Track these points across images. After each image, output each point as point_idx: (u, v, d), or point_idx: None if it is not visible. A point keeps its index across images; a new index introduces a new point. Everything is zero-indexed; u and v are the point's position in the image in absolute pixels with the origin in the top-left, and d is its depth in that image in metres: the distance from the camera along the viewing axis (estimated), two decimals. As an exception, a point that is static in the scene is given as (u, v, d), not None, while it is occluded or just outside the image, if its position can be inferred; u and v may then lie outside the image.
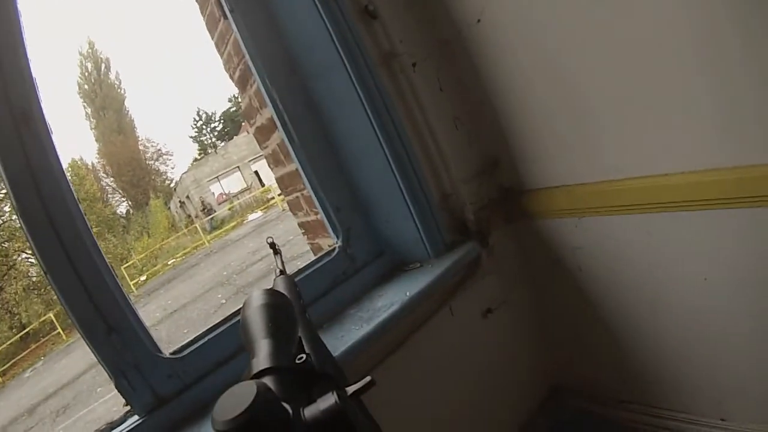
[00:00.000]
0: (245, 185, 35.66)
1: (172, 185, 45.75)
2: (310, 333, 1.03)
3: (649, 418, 1.81)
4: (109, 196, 44.80)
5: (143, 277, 25.84)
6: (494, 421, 1.85)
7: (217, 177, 35.36)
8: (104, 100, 45.59)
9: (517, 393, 1.98)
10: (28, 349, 20.99)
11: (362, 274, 1.72)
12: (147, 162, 47.41)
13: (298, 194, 1.93)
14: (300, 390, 0.75)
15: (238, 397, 0.61)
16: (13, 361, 20.04)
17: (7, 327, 23.00)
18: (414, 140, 1.68)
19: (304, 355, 0.81)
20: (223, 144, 43.59)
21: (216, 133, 51.52)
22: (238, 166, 35.71)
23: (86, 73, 45.89)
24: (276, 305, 0.94)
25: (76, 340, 17.25)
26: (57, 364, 16.38)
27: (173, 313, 14.33)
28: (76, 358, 14.62)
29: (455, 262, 1.67)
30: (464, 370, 1.78)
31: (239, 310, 1.45)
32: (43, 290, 24.31)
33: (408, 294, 1.55)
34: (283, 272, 1.27)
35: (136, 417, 1.32)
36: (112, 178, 45.57)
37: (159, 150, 48.57)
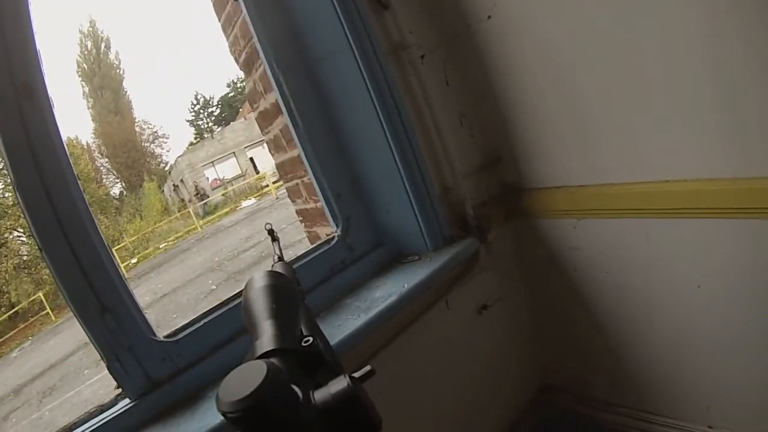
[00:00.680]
0: (240, 171, 35.56)
1: (166, 168, 45.59)
2: (308, 321, 1.02)
3: (636, 422, 1.82)
4: (103, 176, 44.65)
5: (134, 260, 25.77)
6: (484, 417, 1.85)
7: (212, 162, 35.22)
8: (102, 79, 45.29)
9: (507, 390, 1.98)
10: (17, 329, 20.89)
11: (360, 263, 1.72)
12: (142, 144, 47.23)
13: (298, 181, 1.92)
14: (306, 374, 0.72)
15: (247, 377, 0.58)
16: (1, 340, 19.96)
17: (-5, 305, 22.91)
18: (418, 132, 1.67)
19: (310, 338, 0.78)
20: (219, 129, 43.37)
21: (213, 118, 51.42)
22: (233, 152, 35.57)
23: (86, 52, 45.59)
24: (279, 287, 0.92)
25: (65, 321, 17.23)
26: (45, 344, 16.34)
27: (163, 297, 14.32)
28: (64, 338, 14.60)
29: (453, 256, 1.67)
30: (457, 364, 1.78)
31: (235, 295, 1.45)
32: (33, 269, 24.20)
33: (406, 286, 1.55)
34: (281, 258, 1.25)
35: (127, 400, 1.30)
36: (106, 159, 45.39)
37: (155, 132, 48.45)
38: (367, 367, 0.71)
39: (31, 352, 16.24)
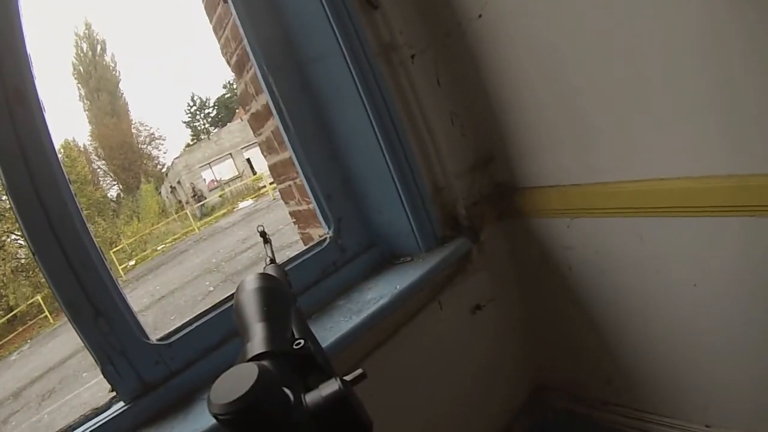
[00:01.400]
0: (237, 173, 35.53)
1: (163, 170, 45.52)
2: (300, 323, 1.02)
3: (633, 421, 1.82)
4: (100, 179, 44.58)
5: (132, 262, 25.74)
6: (478, 418, 1.85)
7: (209, 163, 35.20)
8: (99, 81, 45.22)
9: (502, 390, 1.98)
10: (15, 332, 20.83)
11: (352, 265, 1.72)
12: (139, 146, 47.17)
13: (291, 183, 1.93)
14: (297, 377, 0.72)
15: (238, 379, 0.58)
16: (-1, 343, 19.94)
17: (-6, 309, 22.85)
18: (409, 132, 1.67)
19: (301, 341, 0.78)
20: (216, 130, 43.38)
21: (209, 119, 51.38)
22: (230, 153, 35.55)
23: (81, 54, 45.50)
24: (271, 289, 0.92)
25: (63, 324, 17.18)
26: (43, 347, 16.32)
27: (161, 299, 14.30)
28: (62, 341, 14.57)
29: (446, 256, 1.67)
30: (451, 365, 1.77)
31: (228, 297, 1.45)
32: (31, 272, 24.10)
33: (398, 287, 1.55)
34: (273, 261, 1.25)
35: (121, 403, 1.30)
36: (103, 161, 45.35)
37: (152, 134, 48.52)
38: (359, 370, 0.72)
39: (29, 356, 16.21)
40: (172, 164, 38.22)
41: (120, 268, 23.34)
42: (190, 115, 51.52)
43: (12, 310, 22.57)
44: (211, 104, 51.11)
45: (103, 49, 46.19)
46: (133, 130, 47.23)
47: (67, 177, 1.28)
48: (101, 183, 44.29)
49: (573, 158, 1.59)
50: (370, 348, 1.56)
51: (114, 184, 45.76)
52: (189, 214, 28.77)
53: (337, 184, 1.73)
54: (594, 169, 1.55)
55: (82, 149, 43.51)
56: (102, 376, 1.29)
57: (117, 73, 46.80)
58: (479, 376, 1.87)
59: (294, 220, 2.11)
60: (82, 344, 1.28)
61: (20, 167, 1.20)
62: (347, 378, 0.70)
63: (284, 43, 1.63)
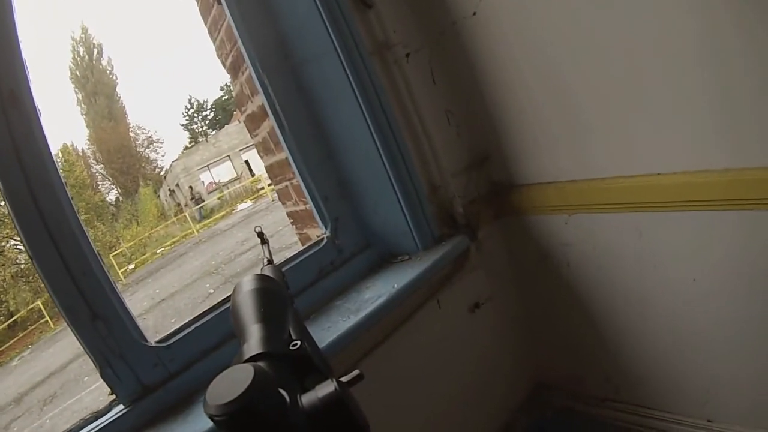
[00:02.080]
0: (235, 174, 35.50)
1: (162, 173, 45.46)
2: (297, 324, 1.02)
3: (633, 417, 1.82)
4: (98, 183, 44.53)
5: (132, 266, 25.68)
6: (478, 416, 1.85)
7: (207, 166, 35.16)
8: (96, 85, 45.18)
9: (501, 388, 1.98)
10: (16, 338, 20.79)
11: (350, 265, 1.72)
12: (137, 149, 47.14)
13: (287, 183, 1.92)
14: (293, 378, 0.73)
15: (234, 381, 0.59)
16: (0, 349, 19.89)
17: (-6, 314, 22.80)
18: (405, 131, 1.68)
19: (298, 342, 0.78)
20: (214, 132, 43.31)
21: (207, 122, 51.24)
22: (228, 155, 35.52)
23: (78, 58, 45.46)
24: (268, 290, 0.92)
25: (64, 329, 17.15)
26: (44, 352, 16.28)
27: (161, 302, 14.28)
28: (63, 346, 14.54)
29: (443, 255, 1.67)
30: (450, 364, 1.77)
31: (226, 298, 1.45)
32: (31, 278, 24.01)
33: (396, 286, 1.55)
34: (270, 261, 1.26)
35: (121, 406, 1.31)
36: (102, 165, 45.28)
37: (150, 137, 48.42)
38: (356, 372, 0.72)
39: (31, 361, 16.18)
40: (170, 167, 38.14)
41: (120, 271, 23.29)
42: (187, 117, 51.44)
43: (12, 316, 22.52)
44: (209, 106, 51.05)
45: (100, 53, 46.20)
46: (131, 134, 47.27)
47: (63, 180, 1.28)
48: (100, 187, 44.30)
49: (569, 155, 1.59)
50: (369, 347, 1.56)
51: (113, 188, 45.80)
52: (188, 216, 28.73)
53: (333, 184, 1.73)
54: (591, 165, 1.55)
55: (80, 153, 43.53)
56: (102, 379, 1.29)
57: (114, 77, 46.84)
58: (478, 375, 1.86)
59: (291, 220, 2.11)
60: (82, 348, 1.28)
61: (16, 170, 1.21)
62: (344, 379, 0.70)
63: (279, 43, 1.64)
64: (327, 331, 1.43)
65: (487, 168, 1.84)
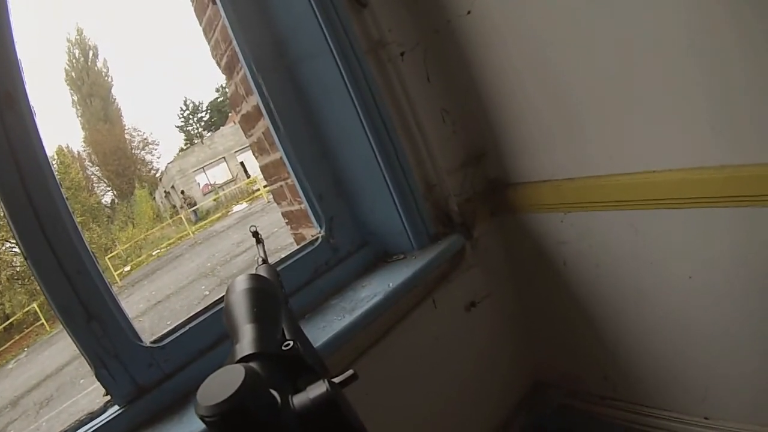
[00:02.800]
0: (231, 176, 35.50)
1: (157, 175, 45.36)
2: (291, 324, 1.02)
3: (631, 415, 1.82)
4: (94, 185, 44.40)
5: (127, 268, 25.66)
6: (476, 415, 1.85)
7: (202, 167, 35.13)
8: (91, 87, 45.03)
9: (499, 387, 1.97)
10: (12, 340, 20.75)
11: (345, 264, 1.72)
12: (133, 151, 46.96)
13: (282, 183, 1.92)
14: (286, 378, 0.72)
15: (225, 381, 0.59)
16: (-3, 352, 19.86)
17: (-10, 317, 22.73)
18: (400, 129, 1.67)
19: (290, 342, 0.78)
20: (209, 134, 43.25)
21: (202, 123, 51.17)
22: (224, 157, 35.49)
23: (74, 60, 45.31)
24: (261, 290, 0.92)
25: (60, 332, 17.12)
26: (40, 355, 16.27)
27: (157, 304, 14.28)
28: (59, 349, 14.53)
29: (439, 254, 1.67)
30: (447, 363, 1.77)
31: (221, 298, 1.44)
32: (27, 280, 23.97)
33: (391, 285, 1.55)
34: (265, 261, 1.25)
35: (116, 407, 1.30)
36: (97, 167, 45.13)
37: (145, 139, 48.14)
38: (350, 372, 0.71)
39: (27, 364, 16.17)
40: (165, 169, 38.14)
41: (116, 273, 23.25)
42: (183, 119, 51.36)
43: (8, 319, 22.47)
44: (204, 108, 51.01)
45: (95, 55, 46.05)
46: (127, 136, 47.09)
47: (58, 181, 1.28)
48: (95, 189, 44.13)
49: (565, 152, 1.59)
50: (365, 347, 1.55)
51: (108, 190, 45.61)
52: (184, 218, 28.72)
53: (328, 184, 1.72)
54: (587, 163, 1.55)
55: (75, 155, 43.39)
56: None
57: (109, 79, 46.67)
58: (475, 374, 1.86)
59: (287, 220, 2.11)
60: (78, 349, 1.28)
61: (12, 171, 1.20)
62: (337, 379, 0.69)
63: (273, 43, 1.63)
64: (322, 330, 1.42)
65: (482, 166, 1.84)
